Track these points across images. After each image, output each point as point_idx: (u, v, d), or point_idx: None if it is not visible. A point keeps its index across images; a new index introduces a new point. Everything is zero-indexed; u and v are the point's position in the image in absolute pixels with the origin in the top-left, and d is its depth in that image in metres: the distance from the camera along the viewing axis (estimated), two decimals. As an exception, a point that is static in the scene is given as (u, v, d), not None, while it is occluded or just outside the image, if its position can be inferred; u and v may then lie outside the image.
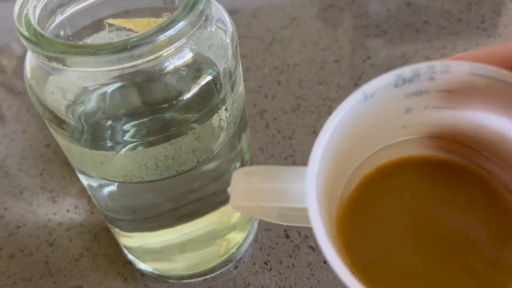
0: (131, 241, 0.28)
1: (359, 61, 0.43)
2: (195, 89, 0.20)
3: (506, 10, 0.46)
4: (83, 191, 0.36)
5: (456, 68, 0.16)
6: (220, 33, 0.21)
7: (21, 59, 0.47)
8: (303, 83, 0.41)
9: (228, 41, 0.21)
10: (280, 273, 0.30)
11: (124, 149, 0.20)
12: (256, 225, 0.32)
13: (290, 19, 0.48)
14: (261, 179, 0.17)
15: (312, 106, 0.40)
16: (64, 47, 0.19)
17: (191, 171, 0.22)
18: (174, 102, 0.20)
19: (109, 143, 0.20)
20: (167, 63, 0.20)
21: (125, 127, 0.20)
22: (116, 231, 0.27)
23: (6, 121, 0.41)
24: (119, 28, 0.26)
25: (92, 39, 0.25)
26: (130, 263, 0.31)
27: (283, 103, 0.40)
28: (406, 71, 0.16)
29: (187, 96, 0.20)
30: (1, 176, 0.37)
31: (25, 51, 0.48)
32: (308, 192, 0.15)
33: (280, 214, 0.18)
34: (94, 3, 0.24)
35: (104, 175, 0.22)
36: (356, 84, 0.41)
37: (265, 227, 0.32)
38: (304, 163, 0.36)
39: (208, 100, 0.20)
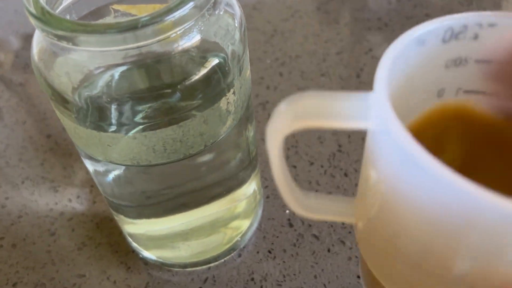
0: (136, 228, 0.28)
1: (361, 53, 0.43)
2: (203, 72, 0.20)
3: (507, 3, 0.47)
4: (85, 181, 0.36)
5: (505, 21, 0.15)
6: (228, 16, 0.21)
7: (19, 53, 0.47)
8: (305, 75, 0.41)
9: (236, 25, 0.21)
10: (284, 262, 0.30)
11: (132, 132, 0.20)
12: (260, 213, 0.32)
13: (292, 12, 0.48)
14: (316, 98, 0.16)
15: (314, 97, 0.39)
16: (73, 26, 0.19)
17: (197, 155, 0.22)
18: (182, 84, 0.20)
19: (116, 126, 0.20)
20: (175, 45, 0.20)
21: (134, 109, 0.20)
22: (121, 218, 0.27)
23: (7, 112, 0.41)
24: (124, 14, 0.26)
25: (97, 24, 0.25)
26: (133, 252, 0.31)
27: (286, 94, 0.40)
28: (455, 18, 0.15)
29: (195, 78, 0.20)
30: (2, 166, 0.37)
31: (23, 45, 0.48)
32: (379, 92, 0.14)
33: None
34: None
35: (111, 159, 0.21)
36: (358, 76, 0.41)
37: (268, 216, 0.32)
38: (307, 153, 0.36)
39: (216, 83, 0.20)
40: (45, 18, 0.19)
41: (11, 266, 0.31)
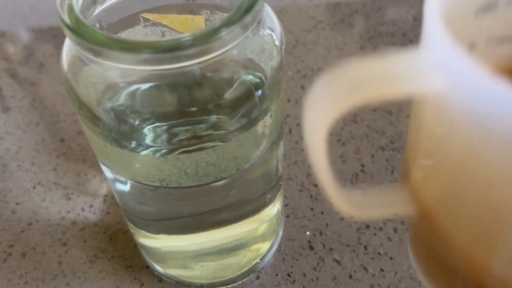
0: (154, 242, 0.26)
1: (385, 69, 0.42)
2: (242, 95, 0.19)
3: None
4: (98, 190, 0.34)
5: None
6: (270, 37, 0.20)
7: (33, 51, 0.46)
8: (328, 89, 0.40)
9: (277, 44, 0.20)
10: (303, 286, 0.29)
11: (165, 154, 0.19)
12: (280, 234, 0.31)
13: (314, 23, 0.46)
14: (363, 64, 0.13)
15: (337, 113, 0.38)
16: (108, 41, 0.18)
17: (228, 178, 0.21)
18: (221, 108, 0.19)
19: (150, 148, 0.19)
20: (214, 66, 0.19)
21: (170, 131, 0.18)
22: (138, 231, 0.26)
23: (19, 113, 0.40)
24: (154, 24, 0.25)
25: (127, 34, 0.24)
26: (147, 267, 0.30)
27: (307, 108, 0.39)
28: None
29: (234, 102, 0.19)
30: (14, 169, 0.36)
31: (33, 40, 0.47)
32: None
33: None
34: (134, -5, 0.23)
35: (138, 179, 0.20)
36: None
37: (288, 237, 0.31)
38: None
39: (254, 106, 0.19)
40: (79, 29, 0.18)
41: (20, 276, 0.30)
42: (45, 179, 0.35)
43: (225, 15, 0.24)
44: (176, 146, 0.19)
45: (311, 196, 0.33)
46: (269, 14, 0.21)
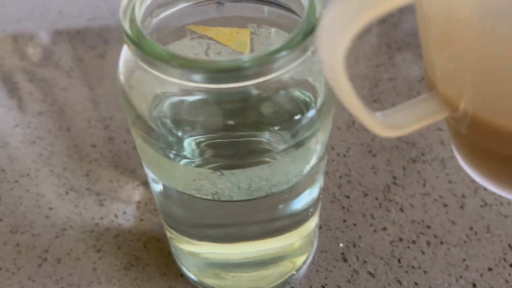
0: (195, 248, 0.26)
1: (414, 81, 0.42)
2: (296, 113, 0.19)
3: None
4: (131, 196, 0.35)
5: None
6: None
7: (63, 57, 0.46)
8: (357, 100, 0.40)
9: None
10: (338, 298, 0.29)
11: (222, 168, 0.19)
12: (315, 245, 0.31)
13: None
14: None
15: (367, 124, 0.38)
16: (168, 56, 0.18)
17: (278, 193, 0.21)
18: (274, 125, 0.19)
19: (207, 163, 0.19)
20: (270, 86, 0.19)
21: (227, 147, 0.19)
22: (179, 238, 0.26)
23: (50, 117, 0.40)
24: (200, 36, 0.25)
25: (174, 46, 0.24)
26: (182, 275, 0.30)
27: (337, 118, 0.39)
28: None
29: (288, 120, 0.19)
30: (46, 174, 0.36)
31: (62, 44, 0.47)
32: None
33: None
34: (186, 8, 0.23)
35: (191, 192, 0.21)
36: (412, 105, 0.40)
37: (321, 249, 0.31)
38: (360, 182, 0.35)
39: (310, 123, 0.19)
40: (140, 42, 0.18)
41: (56, 282, 0.30)
42: (77, 185, 0.35)
43: (272, 29, 0.25)
44: (231, 161, 0.19)
45: (343, 207, 0.33)
46: None
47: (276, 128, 0.19)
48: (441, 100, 0.18)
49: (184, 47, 0.25)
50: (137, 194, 0.35)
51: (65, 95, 0.42)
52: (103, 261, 0.31)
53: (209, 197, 0.20)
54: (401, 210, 0.33)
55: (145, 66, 0.18)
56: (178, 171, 0.20)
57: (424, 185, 0.35)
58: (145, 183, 0.35)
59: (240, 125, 0.20)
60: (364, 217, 0.33)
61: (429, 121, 0.19)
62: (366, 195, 0.34)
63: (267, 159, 0.19)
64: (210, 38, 0.25)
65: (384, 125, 0.17)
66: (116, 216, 0.34)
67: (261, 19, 0.24)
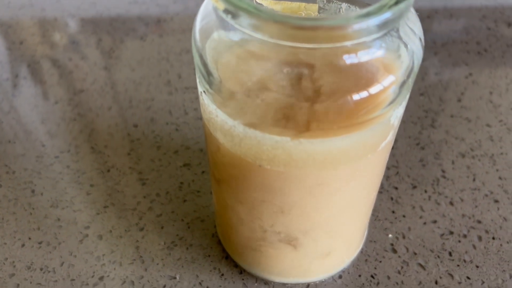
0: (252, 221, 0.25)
1: (461, 76, 0.41)
2: (380, 85, 0.18)
3: None
4: (173, 177, 0.34)
5: None
6: (411, 33, 0.20)
7: (102, 37, 0.46)
8: (403, 92, 0.40)
9: (415, 48, 0.20)
10: (388, 289, 0.28)
11: (299, 138, 0.18)
12: (366, 234, 0.30)
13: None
14: None
15: (414, 116, 0.38)
16: (255, 10, 0.17)
17: (353, 167, 0.21)
18: (361, 95, 0.18)
19: (285, 132, 0.18)
20: (349, 54, 0.18)
21: (304, 112, 0.18)
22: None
23: (91, 96, 0.40)
24: (267, 9, 0.25)
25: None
26: (227, 258, 0.30)
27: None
28: None
29: (373, 92, 0.18)
30: (87, 151, 0.36)
31: (94, 22, 0.47)
32: None
33: None
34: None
35: (261, 162, 0.20)
36: (459, 100, 0.39)
37: (370, 239, 0.30)
38: (409, 174, 0.34)
39: (393, 95, 0.19)
40: None
41: (98, 258, 0.30)
42: (119, 163, 0.35)
43: (343, 4, 0.24)
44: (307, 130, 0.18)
45: (391, 199, 0.33)
46: (413, 19, 0.20)
47: (360, 95, 0.18)
48: None
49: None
50: (180, 175, 0.34)
51: (106, 74, 0.42)
52: (146, 239, 0.31)
53: (281, 168, 0.20)
54: (451, 203, 0.32)
55: (230, 21, 0.17)
56: (251, 140, 0.19)
57: (474, 180, 0.34)
58: (188, 164, 0.35)
59: (323, 90, 0.19)
60: (413, 209, 0.32)
61: None
62: (415, 187, 0.33)
63: (347, 129, 0.18)
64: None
65: None
66: (158, 195, 0.33)
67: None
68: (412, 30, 0.19)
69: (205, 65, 0.19)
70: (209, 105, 0.20)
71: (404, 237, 0.31)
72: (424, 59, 0.42)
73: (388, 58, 0.18)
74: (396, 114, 0.20)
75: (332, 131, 0.18)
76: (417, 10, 0.21)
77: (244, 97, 0.18)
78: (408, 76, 0.19)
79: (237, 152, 0.20)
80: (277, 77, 0.18)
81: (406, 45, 0.19)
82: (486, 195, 0.33)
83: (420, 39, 0.20)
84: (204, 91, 0.20)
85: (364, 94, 0.18)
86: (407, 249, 0.30)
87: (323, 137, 0.18)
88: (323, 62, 0.18)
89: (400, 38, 0.19)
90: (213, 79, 0.19)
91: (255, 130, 0.19)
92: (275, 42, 0.17)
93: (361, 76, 0.18)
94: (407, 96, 0.20)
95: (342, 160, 0.20)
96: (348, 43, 0.17)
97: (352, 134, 0.19)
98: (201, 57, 0.19)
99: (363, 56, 0.18)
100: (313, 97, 0.18)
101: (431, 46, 0.44)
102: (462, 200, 0.32)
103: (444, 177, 0.34)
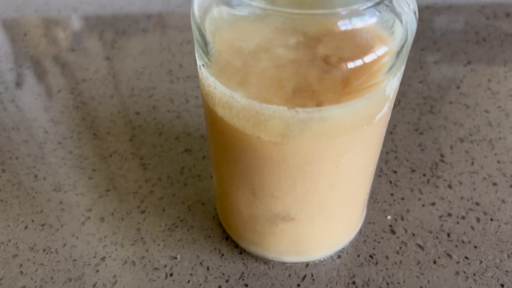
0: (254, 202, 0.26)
1: (460, 65, 0.41)
2: (375, 54, 0.19)
3: None
4: (174, 162, 0.34)
5: None
6: (405, 5, 0.20)
7: (90, 21, 0.46)
8: (403, 81, 0.40)
9: (408, 19, 0.20)
10: (387, 268, 0.29)
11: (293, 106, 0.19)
12: (364, 215, 0.30)
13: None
14: None
15: (413, 103, 0.38)
16: None
17: (348, 138, 0.21)
18: (354, 63, 0.18)
19: (283, 99, 0.18)
20: (352, 20, 0.18)
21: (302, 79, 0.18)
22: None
23: (94, 84, 0.40)
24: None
25: None
26: (227, 238, 0.30)
27: (381, 97, 0.39)
28: None
29: (369, 56, 0.19)
30: (89, 137, 0.36)
31: (96, 13, 0.48)
32: None
33: None
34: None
35: (259, 134, 0.20)
36: (458, 87, 0.39)
37: (369, 220, 0.31)
38: (408, 159, 0.34)
39: (385, 66, 0.19)
40: None
41: (100, 240, 0.30)
42: (121, 149, 0.35)
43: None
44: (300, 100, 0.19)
45: (390, 182, 0.33)
46: None
47: (355, 63, 0.18)
48: None
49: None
50: (181, 160, 0.34)
51: (108, 64, 0.42)
52: (147, 221, 0.31)
53: (278, 139, 0.20)
54: (450, 186, 0.33)
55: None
56: (250, 110, 0.19)
57: (472, 163, 0.34)
58: (189, 150, 0.35)
59: (319, 58, 0.19)
60: (412, 192, 0.32)
61: None
62: (413, 171, 0.34)
63: (342, 98, 0.19)
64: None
65: None
66: (160, 179, 0.33)
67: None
68: (407, 2, 0.20)
69: (203, 36, 0.20)
70: (207, 78, 0.21)
71: (402, 219, 0.31)
72: (422, 49, 0.43)
73: (382, 28, 0.19)
74: (391, 85, 0.20)
75: (328, 100, 0.19)
76: (416, 1, 0.21)
77: (241, 66, 0.19)
78: (402, 47, 0.19)
79: (236, 124, 0.21)
80: (274, 46, 0.18)
81: (400, 17, 0.19)
82: (485, 178, 0.33)
83: (415, 12, 0.20)
84: (203, 65, 0.21)
85: (359, 62, 0.18)
86: (406, 230, 0.30)
87: (319, 106, 0.19)
88: (318, 30, 0.18)
89: (394, 11, 0.19)
90: (211, 49, 0.19)
91: (253, 100, 0.19)
92: (272, 9, 0.18)
93: (356, 45, 0.18)
94: (402, 68, 0.21)
95: (338, 131, 0.20)
96: (342, 10, 0.17)
97: (348, 103, 0.19)
98: (199, 29, 0.20)
99: (357, 23, 0.18)
100: (309, 66, 0.18)
101: (430, 36, 0.44)
102: (460, 183, 0.33)
103: (442, 161, 0.34)
